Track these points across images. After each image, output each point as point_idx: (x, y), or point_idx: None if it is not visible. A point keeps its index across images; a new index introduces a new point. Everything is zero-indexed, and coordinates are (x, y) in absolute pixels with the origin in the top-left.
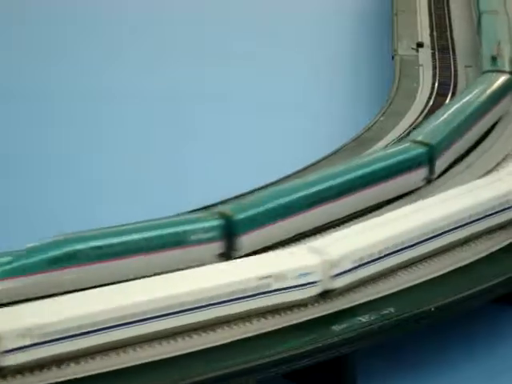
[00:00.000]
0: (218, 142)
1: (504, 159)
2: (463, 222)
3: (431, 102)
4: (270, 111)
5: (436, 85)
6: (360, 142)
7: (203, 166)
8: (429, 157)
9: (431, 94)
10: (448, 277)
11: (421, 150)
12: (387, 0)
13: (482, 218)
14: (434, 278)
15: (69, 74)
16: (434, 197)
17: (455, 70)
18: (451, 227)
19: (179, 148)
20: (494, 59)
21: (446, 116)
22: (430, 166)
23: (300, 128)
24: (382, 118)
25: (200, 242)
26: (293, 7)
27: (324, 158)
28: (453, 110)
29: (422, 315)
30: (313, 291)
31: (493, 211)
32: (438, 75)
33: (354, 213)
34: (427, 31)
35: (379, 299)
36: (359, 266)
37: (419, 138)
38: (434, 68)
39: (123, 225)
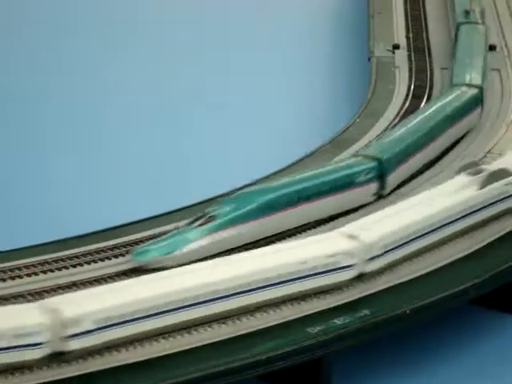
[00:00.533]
0: (207, 141)
1: None
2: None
3: (407, 104)
4: (251, 112)
5: (412, 87)
6: (336, 144)
7: (197, 163)
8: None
9: (407, 95)
10: None
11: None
12: (364, 1)
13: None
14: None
15: (72, 74)
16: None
17: (431, 72)
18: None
19: (178, 147)
20: (467, 13)
21: None
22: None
23: (280, 129)
24: (358, 120)
25: (362, 183)
26: (274, 11)
27: (300, 160)
28: None
29: None
30: (39, 353)
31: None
32: (413, 77)
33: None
34: (403, 33)
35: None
36: (105, 327)
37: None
38: (410, 70)
39: (300, 173)
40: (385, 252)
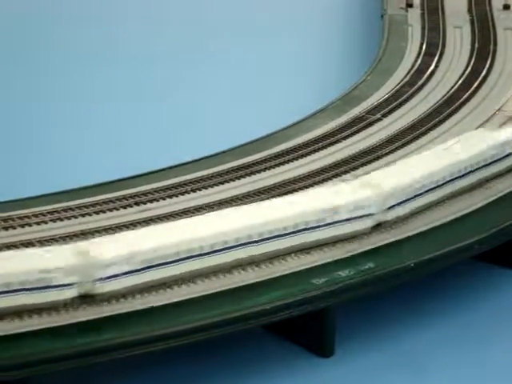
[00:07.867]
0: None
1: None
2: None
3: (419, 61)
4: (264, 70)
5: (424, 45)
6: (346, 100)
7: (206, 117)
8: None
9: (419, 53)
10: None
11: None
12: None
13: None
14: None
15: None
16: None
17: (444, 31)
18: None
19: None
20: None
21: None
22: None
23: (290, 86)
24: (369, 77)
25: None
26: None
27: (311, 116)
28: None
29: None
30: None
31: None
32: (426, 35)
33: None
34: None
35: None
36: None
37: None
38: (423, 28)
39: None
40: (401, 202)
